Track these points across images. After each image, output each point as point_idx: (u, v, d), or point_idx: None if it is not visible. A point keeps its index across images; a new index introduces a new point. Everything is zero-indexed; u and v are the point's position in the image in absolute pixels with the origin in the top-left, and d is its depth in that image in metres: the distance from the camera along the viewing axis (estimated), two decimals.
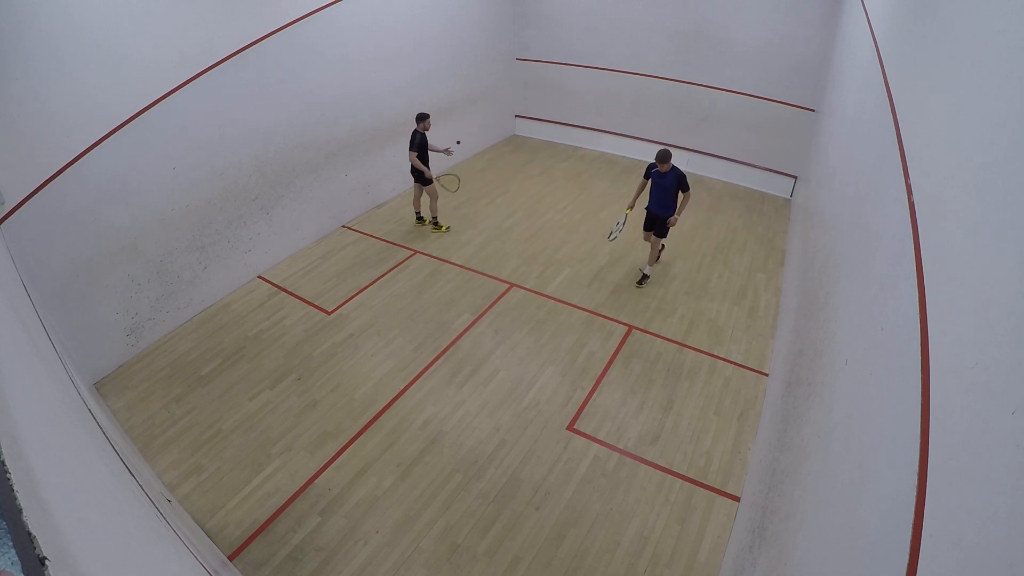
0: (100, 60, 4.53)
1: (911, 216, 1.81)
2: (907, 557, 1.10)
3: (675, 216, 6.20)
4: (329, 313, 6.05)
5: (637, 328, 5.94)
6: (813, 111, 8.11)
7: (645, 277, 6.61)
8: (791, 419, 3.05)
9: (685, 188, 6.03)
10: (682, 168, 10.02)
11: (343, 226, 7.66)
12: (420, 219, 7.74)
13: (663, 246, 6.82)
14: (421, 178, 7.15)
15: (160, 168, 5.21)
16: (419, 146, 6.93)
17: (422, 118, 6.83)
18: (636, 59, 9.52)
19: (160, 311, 5.58)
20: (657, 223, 6.40)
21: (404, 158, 8.48)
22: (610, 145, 10.48)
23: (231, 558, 3.73)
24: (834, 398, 2.21)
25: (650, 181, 6.22)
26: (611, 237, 6.46)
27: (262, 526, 3.94)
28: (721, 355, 5.60)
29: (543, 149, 10.65)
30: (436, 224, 7.62)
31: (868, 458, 1.57)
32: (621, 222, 6.42)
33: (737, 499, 4.19)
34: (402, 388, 5.10)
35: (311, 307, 6.15)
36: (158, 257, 5.43)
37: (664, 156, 5.85)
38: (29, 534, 0.94)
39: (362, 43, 7.08)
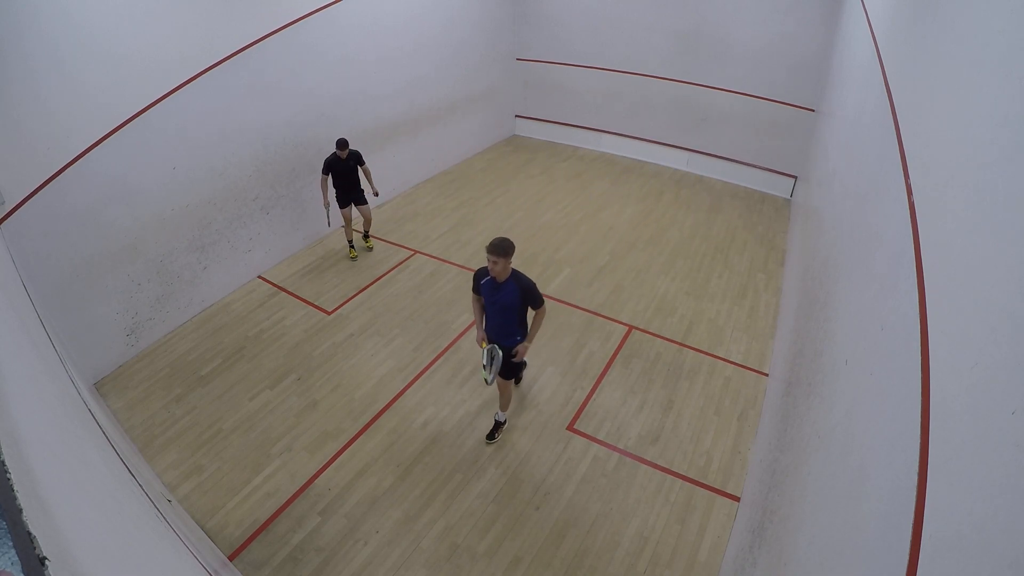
0: (100, 60, 4.53)
1: (911, 216, 1.81)
2: (907, 557, 1.10)
3: (525, 343, 4.10)
4: (329, 313, 6.05)
5: (637, 328, 5.94)
6: (813, 111, 8.11)
7: (499, 425, 4.63)
8: (791, 419, 3.05)
9: (536, 303, 3.97)
10: (682, 167, 10.16)
11: (343, 226, 7.65)
12: (357, 244, 7.18)
13: (520, 376, 5.04)
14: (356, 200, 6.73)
15: (160, 168, 5.21)
16: (327, 169, 6.39)
17: (339, 145, 6.24)
18: (636, 59, 9.52)
19: (160, 311, 5.57)
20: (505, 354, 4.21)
21: (404, 158, 8.51)
22: (610, 145, 10.48)
23: (231, 558, 3.73)
24: (834, 398, 2.21)
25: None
26: (487, 381, 4.22)
27: (262, 526, 3.94)
28: (721, 355, 5.60)
29: (543, 149, 10.65)
30: (352, 246, 7.09)
31: (868, 458, 1.57)
32: (486, 363, 4.21)
33: (737, 499, 4.19)
34: (402, 388, 5.10)
35: (311, 307, 6.15)
36: (158, 257, 5.43)
37: (498, 249, 3.71)
38: (29, 534, 0.94)
39: (362, 43, 7.08)
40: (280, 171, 6.52)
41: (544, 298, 4.04)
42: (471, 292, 4.19)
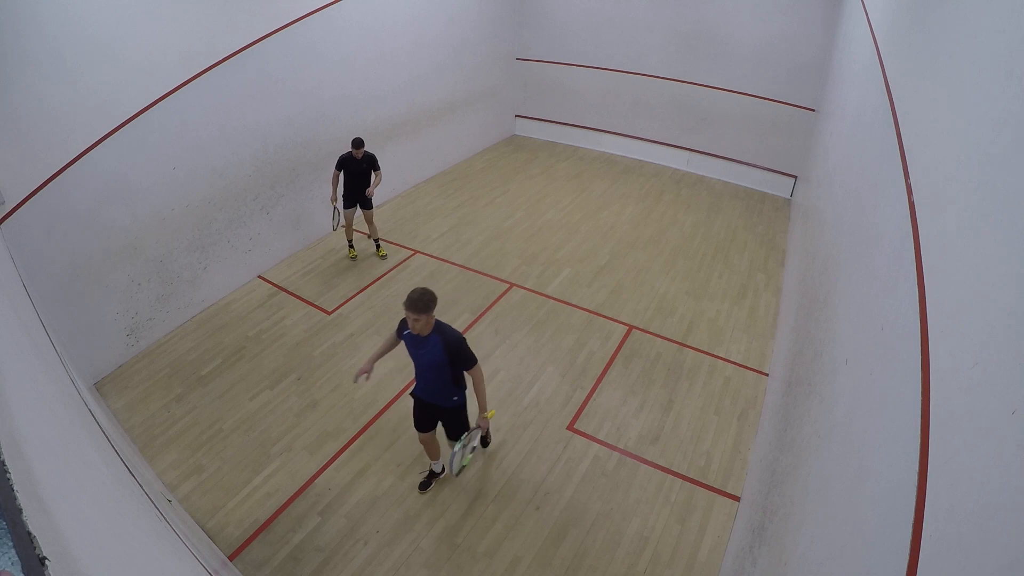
0: (100, 59, 4.52)
1: (911, 216, 1.81)
2: (907, 557, 1.10)
3: (485, 416, 3.63)
4: (329, 313, 6.05)
5: (637, 328, 5.94)
6: (813, 111, 8.11)
7: (435, 475, 4.22)
8: (791, 419, 3.05)
9: (466, 363, 3.45)
10: (682, 167, 10.15)
11: (343, 226, 7.65)
12: (363, 252, 7.10)
13: (485, 439, 4.41)
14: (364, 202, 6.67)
15: (160, 167, 5.21)
16: (340, 166, 6.34)
17: (354, 144, 6.17)
18: (636, 59, 9.52)
19: (160, 311, 5.57)
20: (440, 417, 3.83)
21: (404, 158, 8.50)
22: (610, 145, 10.48)
23: (231, 558, 3.73)
24: (834, 398, 2.21)
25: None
26: (454, 471, 3.81)
27: (262, 526, 3.94)
28: (721, 355, 5.60)
29: (543, 149, 10.65)
30: (351, 246, 7.06)
31: (868, 458, 1.57)
32: (457, 450, 3.67)
33: (737, 499, 4.19)
34: (402, 388, 5.10)
35: (311, 307, 6.15)
36: (158, 257, 5.42)
37: (417, 305, 3.21)
38: (29, 534, 0.94)
39: (362, 43, 7.08)
40: (281, 171, 6.52)
41: (477, 357, 3.49)
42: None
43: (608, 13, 9.39)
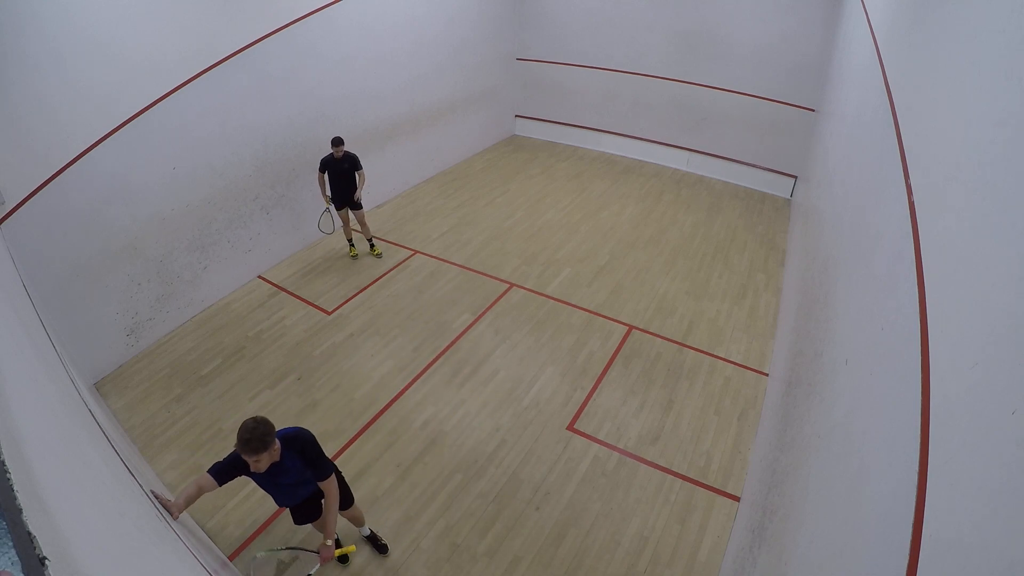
0: (100, 59, 4.52)
1: (911, 216, 1.81)
2: (907, 557, 1.10)
3: (328, 543, 2.92)
4: (329, 313, 6.05)
5: (637, 328, 5.94)
6: (813, 111, 8.11)
7: (375, 536, 3.79)
8: (791, 419, 3.05)
9: (321, 473, 2.93)
10: (682, 167, 10.15)
11: (342, 225, 7.65)
12: (363, 252, 7.13)
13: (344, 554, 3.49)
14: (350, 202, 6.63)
15: (160, 167, 5.21)
16: (323, 167, 6.32)
17: (333, 143, 6.15)
18: (636, 59, 9.52)
19: (160, 311, 5.57)
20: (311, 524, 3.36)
21: (404, 158, 8.51)
22: (610, 145, 10.49)
23: (231, 558, 3.73)
24: (834, 398, 2.21)
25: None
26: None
27: (262, 526, 3.93)
28: (721, 355, 5.60)
29: (543, 149, 10.65)
30: (352, 244, 7.06)
31: (868, 458, 1.57)
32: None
33: (737, 499, 4.19)
34: (402, 388, 5.10)
35: (311, 307, 6.15)
36: (158, 257, 5.42)
37: (252, 445, 2.61)
38: (29, 534, 0.94)
39: (362, 43, 7.09)
40: (280, 171, 6.52)
41: (333, 466, 2.99)
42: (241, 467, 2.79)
43: (608, 13, 9.39)
